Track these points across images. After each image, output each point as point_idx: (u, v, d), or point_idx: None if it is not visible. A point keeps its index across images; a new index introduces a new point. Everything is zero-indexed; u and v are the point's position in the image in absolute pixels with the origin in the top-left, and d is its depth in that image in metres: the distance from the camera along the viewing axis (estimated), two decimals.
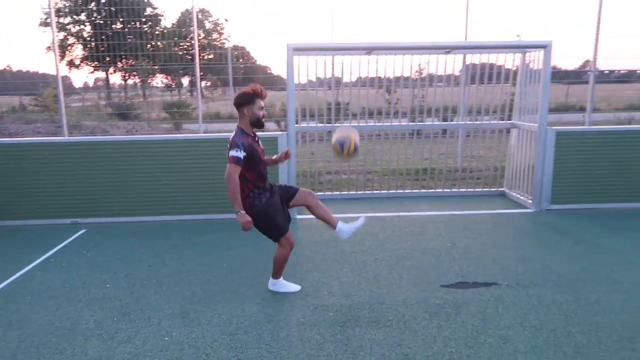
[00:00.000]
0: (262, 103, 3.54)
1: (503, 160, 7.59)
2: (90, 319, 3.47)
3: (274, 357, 2.94)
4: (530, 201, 6.34)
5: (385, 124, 7.06)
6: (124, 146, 5.82)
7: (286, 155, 3.91)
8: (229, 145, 3.44)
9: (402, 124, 7.16)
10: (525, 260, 4.47)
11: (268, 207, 3.57)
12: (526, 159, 6.51)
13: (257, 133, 3.74)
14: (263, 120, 3.59)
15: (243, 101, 3.49)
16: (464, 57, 7.35)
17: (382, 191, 7.24)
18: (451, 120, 7.47)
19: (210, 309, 3.59)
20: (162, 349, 3.05)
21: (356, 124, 7.02)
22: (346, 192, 7.19)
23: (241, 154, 3.37)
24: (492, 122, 7.09)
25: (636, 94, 19.29)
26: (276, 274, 3.87)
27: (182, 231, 5.51)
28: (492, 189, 7.30)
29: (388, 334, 3.18)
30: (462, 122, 7.70)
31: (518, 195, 6.73)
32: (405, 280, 4.06)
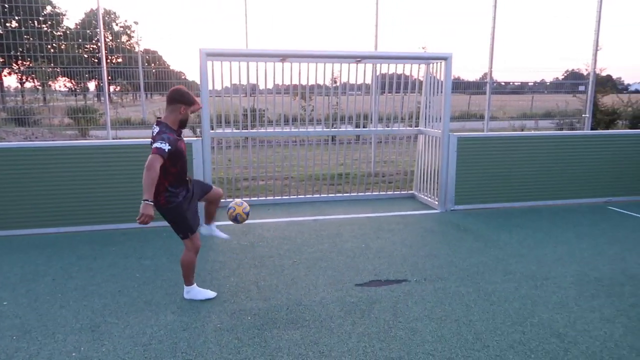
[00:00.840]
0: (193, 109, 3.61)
1: (412, 164, 8.03)
2: None
3: None
4: (436, 202, 6.77)
5: (301, 130, 7.20)
6: (21, 153, 5.39)
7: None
8: (152, 139, 3.42)
9: (318, 130, 7.34)
10: (432, 257, 4.78)
11: (182, 204, 3.59)
12: (432, 164, 6.95)
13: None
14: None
15: (184, 100, 3.51)
16: (374, 67, 7.70)
17: (299, 196, 7.36)
18: (364, 127, 7.79)
19: (122, 321, 3.45)
20: None
21: (272, 130, 7.08)
22: (264, 198, 7.22)
23: (166, 147, 3.32)
24: (401, 128, 7.49)
25: (528, 104, 21.26)
26: (187, 280, 3.80)
27: (90, 242, 5.23)
28: (402, 192, 7.70)
29: (305, 334, 3.27)
30: (374, 129, 8.05)
31: (426, 197, 7.16)
32: (322, 281, 4.18)
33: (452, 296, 3.88)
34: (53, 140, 9.09)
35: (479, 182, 6.73)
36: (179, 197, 3.57)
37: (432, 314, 3.58)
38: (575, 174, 6.97)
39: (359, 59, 6.74)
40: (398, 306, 3.70)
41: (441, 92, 6.63)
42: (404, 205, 7.05)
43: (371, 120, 8.57)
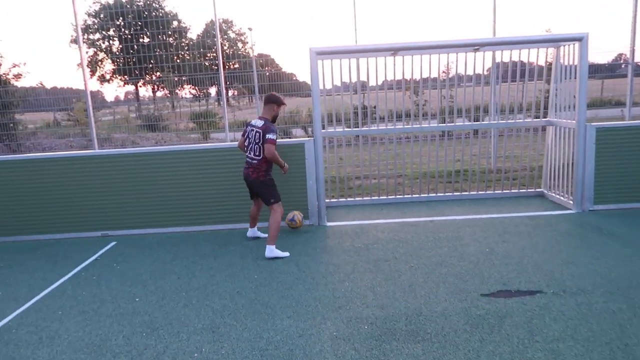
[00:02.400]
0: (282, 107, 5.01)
1: (539, 159, 7.27)
2: (119, 334, 3.41)
3: None
4: (571, 202, 6.02)
5: (414, 126, 6.86)
6: (152, 157, 5.80)
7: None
8: (262, 131, 4.70)
9: (432, 125, 6.94)
10: (570, 265, 4.20)
11: (273, 179, 4.98)
12: (565, 158, 6.20)
13: None
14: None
15: (276, 101, 4.90)
16: (494, 54, 7.09)
17: (414, 195, 7.03)
18: (482, 120, 7.21)
19: (240, 323, 3.47)
20: None
21: (384, 127, 6.85)
22: (376, 198, 7.00)
23: (276, 137, 4.72)
24: (526, 120, 6.80)
25: None
26: (273, 240, 4.74)
27: (211, 242, 5.45)
28: (529, 190, 6.99)
29: (427, 349, 3.00)
30: (495, 122, 7.42)
31: (558, 196, 6.41)
32: (443, 289, 3.86)
33: (600, 313, 3.33)
34: (179, 144, 9.77)
35: (623, 178, 5.85)
36: (272, 175, 4.92)
37: (576, 333, 3.09)
38: None
39: (477, 47, 6.22)
40: (533, 322, 3.26)
41: (574, 77, 5.88)
42: (531, 204, 6.39)
43: (489, 112, 7.93)
